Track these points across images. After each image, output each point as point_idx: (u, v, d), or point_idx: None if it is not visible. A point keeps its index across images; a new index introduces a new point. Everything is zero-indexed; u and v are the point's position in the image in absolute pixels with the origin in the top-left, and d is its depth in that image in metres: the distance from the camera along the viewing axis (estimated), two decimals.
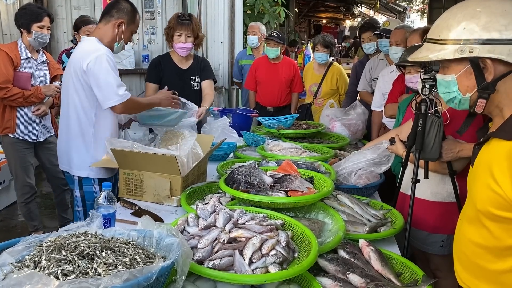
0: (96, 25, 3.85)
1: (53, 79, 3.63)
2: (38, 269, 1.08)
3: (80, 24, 3.88)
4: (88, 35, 3.76)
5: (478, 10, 1.21)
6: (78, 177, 2.53)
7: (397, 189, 2.32)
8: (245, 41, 6.19)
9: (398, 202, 2.26)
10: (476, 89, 1.24)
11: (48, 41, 3.52)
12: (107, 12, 2.53)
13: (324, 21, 19.62)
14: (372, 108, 3.66)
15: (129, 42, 2.65)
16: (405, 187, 2.24)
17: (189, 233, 1.61)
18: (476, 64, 1.22)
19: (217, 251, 1.45)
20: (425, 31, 2.93)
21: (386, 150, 2.30)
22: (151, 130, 2.99)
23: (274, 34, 4.47)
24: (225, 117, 3.42)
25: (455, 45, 1.23)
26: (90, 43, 2.46)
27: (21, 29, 3.45)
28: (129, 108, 2.48)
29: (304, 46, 11.32)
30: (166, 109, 2.71)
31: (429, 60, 1.29)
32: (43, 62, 3.58)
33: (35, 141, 3.61)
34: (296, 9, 13.76)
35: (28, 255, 1.15)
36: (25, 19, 3.39)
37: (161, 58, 3.44)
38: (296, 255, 1.52)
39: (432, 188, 2.17)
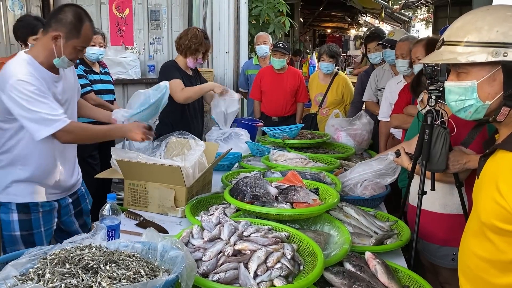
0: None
1: None
2: (42, 282, 1.07)
3: None
4: (92, 45, 3.80)
5: (509, 15, 1.18)
6: None
7: (403, 201, 2.29)
8: (251, 51, 6.21)
9: (409, 215, 2.23)
10: (498, 96, 1.20)
11: None
12: (47, 21, 2.16)
13: (329, 30, 19.70)
14: (379, 118, 3.65)
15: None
16: (414, 199, 2.22)
17: (194, 245, 1.60)
18: (508, 69, 1.17)
19: (221, 264, 1.44)
20: (428, 41, 2.91)
21: (392, 162, 2.28)
22: (155, 139, 2.99)
23: (280, 45, 4.47)
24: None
25: (488, 47, 1.18)
26: (16, 63, 2.07)
27: (19, 42, 3.45)
28: (68, 136, 2.09)
29: (309, 56, 11.37)
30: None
31: (458, 62, 1.23)
32: None
33: None
34: (301, 19, 13.83)
35: (32, 268, 1.15)
36: (21, 32, 3.35)
37: (173, 63, 3.57)
38: (301, 268, 1.51)
39: (440, 200, 2.15)
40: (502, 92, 1.19)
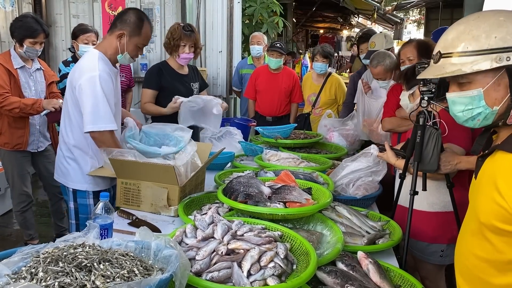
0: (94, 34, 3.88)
1: (49, 85, 3.62)
2: (34, 281, 1.06)
3: (78, 32, 3.87)
4: (86, 43, 3.79)
5: (502, 20, 1.19)
6: (73, 189, 2.49)
7: (395, 201, 2.31)
8: (244, 50, 6.21)
9: (396, 215, 2.25)
10: (505, 99, 1.20)
11: (39, 54, 3.49)
12: (113, 22, 2.45)
13: (321, 31, 19.74)
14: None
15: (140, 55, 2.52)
16: (403, 200, 2.24)
17: (187, 244, 1.60)
18: None
19: (215, 263, 1.44)
20: (419, 42, 2.90)
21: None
22: None
23: (278, 45, 4.45)
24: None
25: (490, 54, 1.19)
26: (90, 58, 2.37)
27: (14, 40, 3.44)
28: (100, 142, 2.34)
29: (301, 56, 11.38)
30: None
31: (463, 73, 1.22)
32: (37, 69, 3.56)
33: (36, 150, 3.59)
34: (294, 19, 13.83)
35: (25, 266, 1.14)
36: (19, 32, 3.34)
37: (161, 65, 3.47)
38: (294, 267, 1.52)
39: (428, 199, 2.18)
40: (509, 95, 1.20)
